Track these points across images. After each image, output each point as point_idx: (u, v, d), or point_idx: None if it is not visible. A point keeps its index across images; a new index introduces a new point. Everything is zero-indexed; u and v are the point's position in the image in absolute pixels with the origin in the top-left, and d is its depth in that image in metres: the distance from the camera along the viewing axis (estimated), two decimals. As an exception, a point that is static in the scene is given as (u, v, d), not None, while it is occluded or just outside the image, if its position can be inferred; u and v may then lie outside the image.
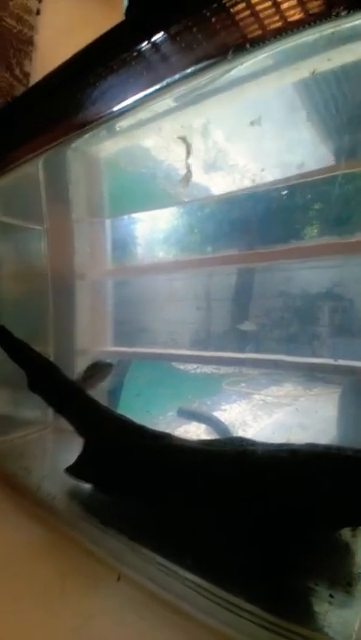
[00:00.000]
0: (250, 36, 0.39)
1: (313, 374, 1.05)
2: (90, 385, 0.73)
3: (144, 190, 0.92)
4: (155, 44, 0.42)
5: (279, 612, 0.32)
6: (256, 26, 0.39)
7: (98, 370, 0.77)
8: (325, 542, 0.40)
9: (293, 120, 0.73)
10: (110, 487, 0.55)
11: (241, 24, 0.39)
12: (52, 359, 0.80)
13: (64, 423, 0.64)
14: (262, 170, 0.71)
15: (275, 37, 0.39)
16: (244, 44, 0.38)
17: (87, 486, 0.58)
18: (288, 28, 0.39)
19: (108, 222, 1.04)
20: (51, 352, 0.92)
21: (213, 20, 0.40)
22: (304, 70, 0.60)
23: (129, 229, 1.24)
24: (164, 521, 0.48)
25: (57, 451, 0.81)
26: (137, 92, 0.43)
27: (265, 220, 1.11)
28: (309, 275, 1.21)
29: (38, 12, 1.04)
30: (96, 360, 0.80)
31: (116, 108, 0.46)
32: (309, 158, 0.73)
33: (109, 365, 0.79)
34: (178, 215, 1.30)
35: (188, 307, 1.40)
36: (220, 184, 0.85)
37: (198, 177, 0.82)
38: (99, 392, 0.99)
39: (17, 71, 1.02)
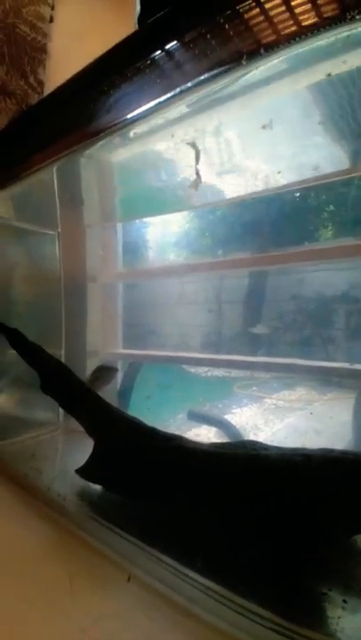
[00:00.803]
0: (264, 41, 0.39)
1: (327, 378, 1.04)
2: (95, 388, 0.74)
3: (156, 195, 0.93)
4: (168, 52, 0.42)
5: (291, 617, 0.31)
6: (270, 31, 0.39)
7: (102, 373, 0.78)
8: (340, 547, 0.40)
9: (308, 123, 0.73)
10: (120, 488, 0.56)
11: (255, 30, 0.40)
12: (63, 361, 0.81)
13: (75, 424, 0.65)
14: (278, 172, 0.70)
15: (289, 42, 0.39)
16: (258, 50, 0.38)
17: (97, 487, 0.58)
18: (302, 33, 0.39)
19: (119, 226, 1.05)
20: (62, 354, 0.93)
21: (227, 26, 0.40)
22: (319, 74, 0.60)
23: (140, 233, 1.25)
24: (174, 523, 0.48)
25: (68, 452, 0.82)
26: (151, 100, 0.44)
27: (278, 222, 1.10)
28: (324, 277, 1.19)
29: (51, 20, 1.06)
30: (101, 364, 0.81)
31: (129, 116, 0.46)
32: (324, 161, 0.73)
33: (114, 369, 0.80)
34: (189, 218, 1.31)
35: (199, 309, 1.40)
36: (232, 187, 0.85)
37: (211, 180, 0.82)
38: (109, 394, 1.00)
39: (31, 79, 1.04)
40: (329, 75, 0.52)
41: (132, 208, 1.05)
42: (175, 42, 0.41)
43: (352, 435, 0.78)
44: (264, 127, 0.59)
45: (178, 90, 0.41)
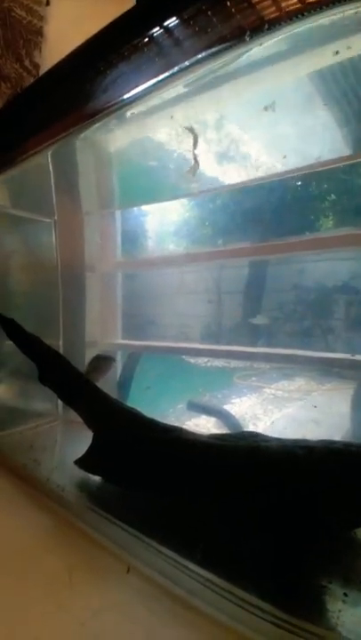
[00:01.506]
0: (267, 17, 0.37)
1: (327, 369, 1.04)
2: (92, 379, 0.73)
3: (155, 181, 0.91)
4: (167, 29, 0.40)
5: (291, 610, 0.31)
6: (273, 7, 0.38)
7: (100, 363, 0.77)
8: (340, 540, 0.40)
9: (310, 107, 0.71)
10: (120, 479, 0.55)
11: (258, 6, 0.38)
12: (61, 352, 0.80)
13: (74, 415, 0.65)
14: (284, 157, 0.69)
15: (293, 18, 0.37)
16: (261, 27, 0.36)
17: (96, 478, 0.58)
18: (306, 10, 0.37)
19: (118, 214, 1.03)
20: (60, 344, 0.92)
21: (228, 2, 0.38)
22: (323, 56, 0.58)
23: (139, 221, 1.23)
24: (174, 514, 0.48)
25: (66, 443, 0.82)
26: (149, 79, 0.41)
27: (278, 211, 1.09)
28: (325, 267, 1.18)
29: (48, 3, 1.03)
30: (98, 354, 0.80)
31: (127, 96, 0.44)
32: (326, 147, 0.71)
33: (111, 359, 0.79)
34: (189, 207, 1.28)
35: (198, 300, 1.39)
36: (232, 174, 0.83)
37: (210, 167, 0.81)
38: (108, 385, 1.00)
39: (26, 62, 1.01)
40: (337, 52, 0.50)
41: (130, 195, 1.03)
42: (174, 18, 0.39)
43: (351, 425, 0.78)
44: (266, 109, 0.57)
45: (177, 68, 0.40)
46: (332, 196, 1.13)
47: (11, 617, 0.37)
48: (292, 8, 0.38)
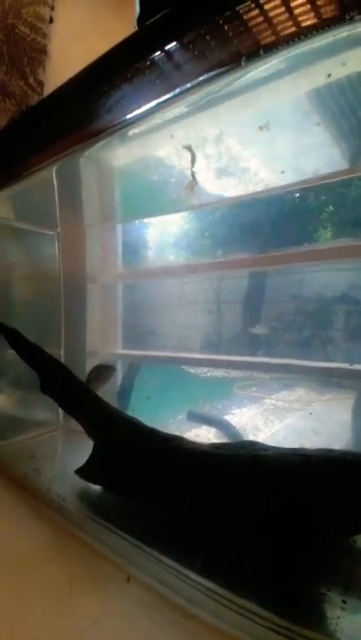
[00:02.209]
0: (263, 42, 0.39)
1: (326, 379, 1.04)
2: (93, 387, 0.73)
3: (155, 195, 0.93)
4: (168, 53, 0.42)
5: (291, 617, 0.32)
6: (269, 32, 0.40)
7: (100, 372, 0.78)
8: (339, 548, 0.40)
9: (307, 124, 0.73)
10: (120, 489, 0.56)
11: (254, 30, 0.40)
12: (63, 361, 0.81)
13: (74, 425, 0.65)
14: (282, 172, 0.71)
15: (288, 43, 0.39)
16: (257, 51, 0.38)
17: (97, 488, 0.58)
18: (302, 33, 0.39)
19: (119, 227, 1.05)
20: (62, 354, 0.93)
21: (226, 27, 0.40)
22: (318, 74, 0.60)
23: (140, 233, 1.25)
24: (174, 523, 0.48)
25: (67, 452, 0.82)
26: (151, 100, 0.44)
27: (277, 222, 1.10)
28: (323, 278, 1.19)
29: (51, 20, 1.05)
30: (99, 363, 0.81)
31: (129, 116, 0.46)
32: (323, 162, 0.73)
33: (111, 368, 0.80)
34: (189, 219, 1.31)
35: (198, 310, 1.40)
36: (231, 188, 0.85)
37: (210, 181, 0.82)
38: (109, 394, 1.00)
39: (31, 80, 1.03)
40: (329, 75, 0.52)
41: (131, 209, 1.05)
42: (175, 43, 0.41)
43: (351, 435, 0.78)
44: (261, 128, 0.59)
45: (177, 90, 0.42)
46: (330, 208, 1.15)
47: (11, 626, 0.37)
48: (286, 32, 0.40)
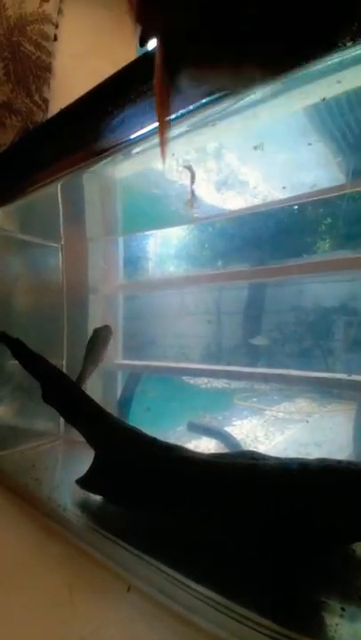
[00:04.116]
0: (260, 71, 0.41)
1: (327, 390, 1.04)
2: (95, 358, 0.74)
3: (156, 210, 0.95)
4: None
5: (290, 625, 0.32)
6: (266, 62, 0.42)
7: (97, 337, 0.79)
8: (338, 556, 0.40)
9: (303, 140, 0.75)
10: (121, 499, 0.56)
11: (250, 63, 0.42)
12: (64, 371, 0.82)
13: (75, 434, 0.65)
14: (283, 187, 0.73)
15: (284, 72, 0.41)
16: (254, 79, 0.40)
17: (97, 498, 0.58)
18: (298, 62, 0.41)
19: (120, 240, 1.07)
20: (64, 364, 0.94)
21: (225, 54, 0.42)
22: (314, 93, 0.62)
23: (141, 245, 1.27)
24: (174, 533, 0.49)
25: (68, 462, 0.82)
26: (153, 121, 0.46)
27: (276, 235, 1.12)
28: (322, 289, 1.21)
29: (55, 38, 1.06)
30: (94, 328, 0.82)
31: (133, 136, 0.48)
32: (321, 176, 0.75)
33: (106, 328, 0.81)
34: (189, 231, 1.32)
35: (198, 321, 1.41)
36: (231, 202, 0.87)
37: (210, 196, 0.85)
38: (110, 404, 1.01)
39: (36, 97, 1.05)
40: (324, 99, 0.55)
41: (132, 222, 1.07)
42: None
43: (353, 446, 0.79)
44: (255, 148, 0.61)
45: (179, 113, 0.44)
46: (328, 221, 1.17)
47: (12, 634, 0.37)
48: (282, 64, 0.42)
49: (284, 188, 0.73)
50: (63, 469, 0.78)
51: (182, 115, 0.44)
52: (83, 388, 0.72)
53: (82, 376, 0.77)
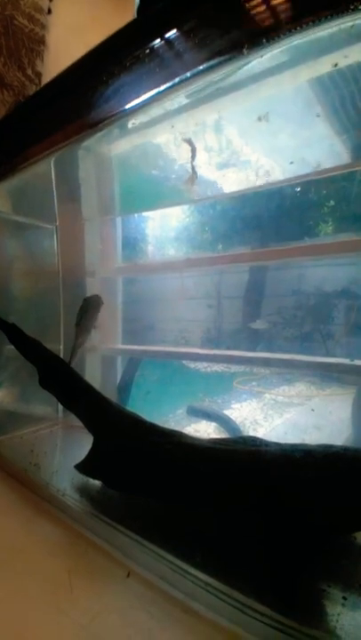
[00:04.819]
0: (265, 30, 0.38)
1: (327, 374, 1.04)
2: (87, 325, 0.75)
3: (155, 188, 0.92)
4: (168, 41, 0.41)
5: (291, 613, 0.31)
6: (271, 20, 0.39)
7: (88, 305, 0.79)
8: (340, 544, 0.40)
9: (308, 117, 0.72)
10: (120, 484, 0.56)
11: (256, 18, 0.39)
12: (61, 356, 0.81)
13: (74, 419, 0.65)
14: (291, 163, 0.70)
15: (291, 31, 0.38)
16: (259, 40, 0.37)
17: (97, 483, 0.58)
18: (305, 22, 0.38)
19: (118, 220, 1.04)
20: (61, 349, 0.92)
21: (228, 15, 0.39)
22: (320, 66, 0.59)
23: (139, 227, 1.24)
24: (174, 518, 0.48)
25: (67, 447, 0.82)
26: (150, 90, 0.42)
27: (278, 217, 1.10)
28: (324, 272, 1.19)
29: (50, 11, 1.04)
30: (84, 297, 0.81)
31: (128, 106, 0.45)
32: (325, 155, 0.72)
33: (97, 297, 0.81)
34: (189, 213, 1.29)
35: (198, 305, 1.40)
36: (232, 181, 0.85)
37: (211, 174, 0.82)
38: (109, 389, 1.00)
39: (29, 70, 1.02)
40: (336, 65, 0.51)
41: (130, 202, 1.04)
42: (175, 30, 0.40)
43: (352, 430, 0.78)
44: (260, 119, 0.58)
45: (177, 79, 0.41)
46: (331, 202, 1.14)
47: (11, 619, 0.37)
48: (289, 20, 0.39)
49: (291, 163, 0.70)
50: (62, 454, 0.78)
51: (181, 82, 0.41)
52: (78, 357, 0.74)
53: (76, 344, 0.77)
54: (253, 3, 0.38)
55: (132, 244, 1.19)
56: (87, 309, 0.78)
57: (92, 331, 0.79)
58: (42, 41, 1.04)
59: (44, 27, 1.04)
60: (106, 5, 1.08)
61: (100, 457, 0.58)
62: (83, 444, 0.61)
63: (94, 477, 0.58)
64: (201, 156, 0.71)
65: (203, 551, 0.41)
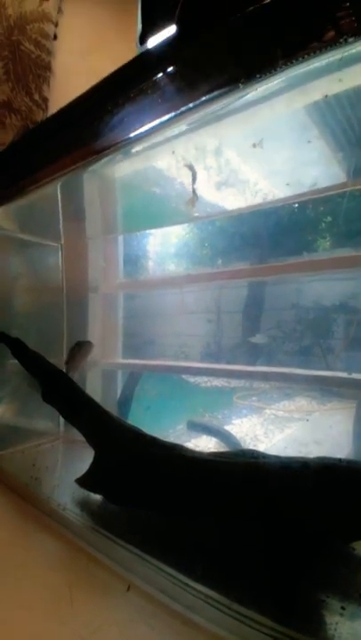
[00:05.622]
0: (260, 65, 0.41)
1: (327, 388, 1.04)
2: (75, 365, 0.76)
3: (156, 208, 0.95)
4: (169, 75, 0.44)
5: (290, 623, 0.32)
6: (266, 55, 0.41)
7: (79, 349, 0.79)
8: (338, 554, 0.40)
9: (303, 138, 0.75)
10: (121, 498, 0.56)
11: (251, 55, 0.41)
12: (64, 370, 0.82)
13: (75, 434, 0.65)
14: (287, 184, 0.73)
15: (285, 66, 0.41)
16: (254, 74, 0.40)
17: (97, 497, 0.58)
18: (298, 56, 0.41)
19: (120, 238, 1.07)
20: (63, 363, 0.93)
21: (225, 52, 0.42)
22: (315, 92, 0.62)
23: (141, 244, 1.27)
24: (174, 532, 0.49)
25: (68, 461, 0.82)
26: (153, 120, 0.45)
27: (277, 233, 1.12)
28: (323, 287, 1.21)
29: (55, 37, 1.06)
30: (77, 340, 0.82)
31: (132, 135, 0.48)
32: (321, 175, 0.75)
33: (89, 342, 0.82)
34: (189, 230, 1.32)
35: (198, 320, 1.41)
36: (231, 200, 0.87)
37: (210, 194, 0.84)
38: (109, 403, 1.00)
39: (36, 96, 1.05)
40: (326, 96, 0.54)
41: (133, 221, 1.06)
42: (176, 65, 0.43)
43: (352, 445, 0.78)
44: (254, 146, 0.61)
45: (179, 110, 0.43)
46: (329, 219, 1.17)
47: (12, 633, 0.37)
48: (282, 56, 0.42)
49: (287, 184, 0.73)
50: (63, 468, 0.78)
51: (182, 112, 0.43)
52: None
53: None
54: (248, 43, 0.41)
55: (134, 261, 1.22)
56: (76, 354, 0.79)
57: (78, 371, 0.80)
58: (48, 67, 1.06)
59: (50, 53, 1.05)
60: (109, 32, 1.11)
61: (100, 471, 0.58)
62: (84, 458, 0.61)
63: (95, 492, 0.58)
64: (201, 176, 0.74)
65: (203, 564, 0.41)
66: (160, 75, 0.43)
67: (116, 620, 0.38)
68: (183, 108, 0.42)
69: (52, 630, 0.38)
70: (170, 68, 0.42)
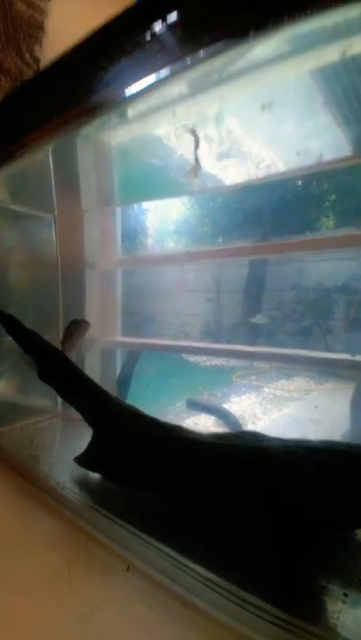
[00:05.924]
0: (271, 15, 0.37)
1: (325, 369, 1.04)
2: (72, 345, 0.74)
3: (155, 179, 0.91)
4: (170, 25, 0.40)
5: (291, 609, 0.31)
6: (278, 3, 0.37)
7: (75, 328, 0.78)
8: (341, 541, 0.40)
9: (311, 107, 0.71)
10: (119, 477, 0.55)
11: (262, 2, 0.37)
12: (61, 348, 0.80)
13: (73, 412, 0.64)
14: (297, 154, 0.69)
15: (297, 15, 0.37)
16: (265, 24, 0.36)
17: (96, 476, 0.58)
18: (312, 6, 0.37)
19: (118, 211, 1.03)
20: (59, 342, 0.92)
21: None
22: (324, 56, 0.57)
23: (139, 219, 1.23)
24: (173, 512, 0.48)
25: (66, 439, 0.82)
26: (151, 74, 0.41)
27: (279, 211, 1.09)
28: (325, 267, 1.18)
29: None
30: (72, 319, 0.81)
31: (128, 92, 0.44)
32: (327, 148, 0.71)
33: (85, 322, 0.80)
34: (189, 205, 1.28)
35: (198, 298, 1.39)
36: (233, 174, 0.83)
37: (211, 166, 0.80)
38: (108, 382, 1.00)
39: (27, 56, 1.00)
40: (344, 53, 0.50)
41: (131, 192, 1.02)
42: (176, 13, 0.39)
43: (350, 424, 0.79)
44: (263, 108, 0.57)
45: (179, 65, 0.39)
46: (333, 197, 1.13)
47: (10, 612, 0.37)
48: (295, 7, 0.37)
49: (297, 154, 0.69)
50: (61, 446, 0.78)
51: (182, 67, 0.39)
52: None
53: None
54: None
55: (132, 236, 1.18)
56: (73, 333, 0.77)
57: (75, 350, 0.79)
58: (41, 27, 1.02)
59: (43, 13, 1.01)
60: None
61: (99, 450, 0.58)
62: (82, 436, 0.61)
63: (93, 470, 0.58)
64: (202, 147, 0.70)
65: (203, 546, 0.41)
66: (159, 24, 0.39)
67: (115, 599, 0.38)
68: (184, 62, 0.38)
69: (50, 608, 0.37)
70: (171, 16, 0.38)
